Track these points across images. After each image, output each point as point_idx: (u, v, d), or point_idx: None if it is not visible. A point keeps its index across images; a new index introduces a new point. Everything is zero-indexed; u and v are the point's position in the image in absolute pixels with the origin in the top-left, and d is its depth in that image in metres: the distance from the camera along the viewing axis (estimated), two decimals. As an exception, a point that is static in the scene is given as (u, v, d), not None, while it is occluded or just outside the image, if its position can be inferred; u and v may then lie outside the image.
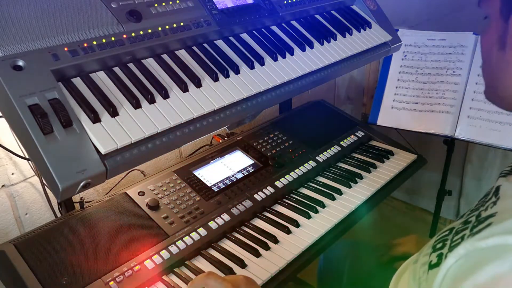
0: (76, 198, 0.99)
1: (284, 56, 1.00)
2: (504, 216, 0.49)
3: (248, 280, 0.75)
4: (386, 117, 1.58)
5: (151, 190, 1.02)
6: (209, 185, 1.08)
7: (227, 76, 0.88)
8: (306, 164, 1.22)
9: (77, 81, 0.74)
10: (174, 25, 0.87)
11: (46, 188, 1.05)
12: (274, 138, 1.29)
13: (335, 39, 1.15)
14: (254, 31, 1.03)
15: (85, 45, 0.75)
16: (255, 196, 1.08)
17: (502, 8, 0.56)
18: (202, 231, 0.95)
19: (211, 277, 0.73)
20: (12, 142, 0.99)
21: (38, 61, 0.68)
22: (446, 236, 0.58)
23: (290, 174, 1.17)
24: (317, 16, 1.21)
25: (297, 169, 1.19)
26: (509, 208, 0.51)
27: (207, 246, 0.94)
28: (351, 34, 1.19)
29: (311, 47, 1.07)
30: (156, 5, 0.87)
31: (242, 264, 0.89)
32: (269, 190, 1.11)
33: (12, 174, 1.04)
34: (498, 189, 0.56)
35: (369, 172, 1.24)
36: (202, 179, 1.09)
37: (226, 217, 1.00)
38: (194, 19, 0.91)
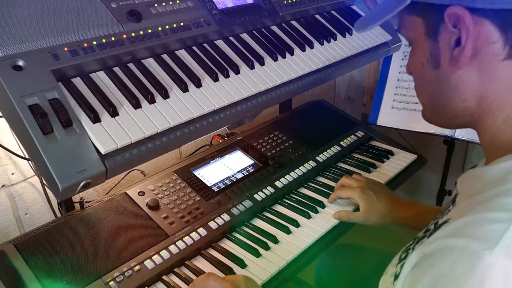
0: (76, 198, 0.99)
1: (284, 56, 1.00)
2: (451, 221, 0.52)
3: (247, 280, 0.75)
4: (386, 117, 1.58)
5: (151, 190, 1.02)
6: (209, 185, 1.08)
7: (227, 76, 0.89)
8: (306, 164, 1.22)
9: (77, 81, 0.74)
10: (174, 25, 0.87)
11: (46, 188, 1.05)
12: (274, 138, 1.29)
13: (335, 39, 1.15)
14: (254, 31, 1.03)
15: (85, 45, 0.75)
16: (255, 196, 1.08)
17: (428, 30, 0.57)
18: (202, 231, 0.95)
19: (211, 278, 0.74)
20: (12, 142, 0.99)
21: (38, 61, 0.68)
22: (410, 245, 0.60)
23: (290, 174, 1.17)
24: (317, 16, 1.21)
25: (297, 169, 1.19)
26: (457, 214, 0.52)
27: (207, 246, 0.94)
28: (351, 34, 1.20)
29: (311, 47, 1.07)
30: (156, 5, 0.87)
31: (242, 264, 0.89)
32: (269, 190, 1.11)
33: (12, 174, 1.04)
34: (456, 197, 0.59)
35: (369, 172, 1.24)
36: (202, 179, 1.09)
37: (226, 217, 1.00)
38: (194, 19, 0.91)
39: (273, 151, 1.24)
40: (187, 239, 0.93)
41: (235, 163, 1.17)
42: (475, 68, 0.55)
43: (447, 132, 1.49)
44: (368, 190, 1.03)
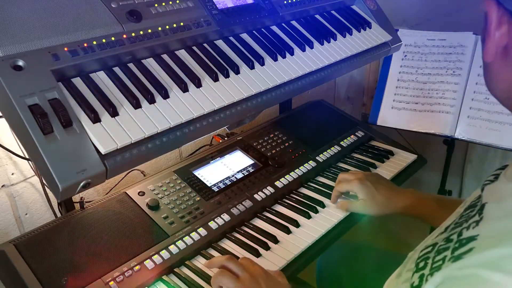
0: (76, 198, 0.99)
1: (284, 56, 1.00)
2: (484, 244, 0.50)
3: (266, 274, 0.76)
4: (386, 117, 1.58)
5: (151, 190, 1.02)
6: (209, 185, 1.08)
7: (227, 76, 0.88)
8: (306, 164, 1.22)
9: (77, 81, 0.74)
10: (174, 25, 0.87)
11: (46, 188, 1.05)
12: (274, 138, 1.29)
13: (335, 39, 1.15)
14: (254, 31, 1.03)
15: (85, 45, 0.74)
16: (255, 196, 1.08)
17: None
18: (202, 231, 0.95)
19: (231, 261, 0.76)
20: (12, 142, 0.99)
21: (38, 61, 0.68)
22: (429, 254, 0.58)
23: (290, 174, 1.17)
24: (317, 16, 1.21)
25: (297, 169, 1.19)
26: (490, 235, 0.51)
27: (207, 246, 0.94)
28: (351, 34, 1.19)
29: (311, 47, 1.07)
30: (156, 5, 0.87)
31: (242, 264, 0.89)
32: (269, 190, 1.11)
33: (12, 174, 1.04)
34: (483, 208, 0.56)
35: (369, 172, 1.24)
36: (202, 179, 1.09)
37: (226, 217, 1.00)
38: (194, 19, 0.91)
39: (273, 151, 1.24)
40: (187, 239, 0.93)
41: (235, 163, 1.17)
42: (508, 66, 0.53)
43: (447, 132, 1.49)
44: (366, 181, 1.04)
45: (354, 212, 1.05)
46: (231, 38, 0.98)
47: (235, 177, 1.13)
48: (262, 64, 0.95)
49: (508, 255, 0.46)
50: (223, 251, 0.93)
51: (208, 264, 0.83)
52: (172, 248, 0.90)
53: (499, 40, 0.52)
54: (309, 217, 1.04)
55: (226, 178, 1.12)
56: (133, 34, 0.81)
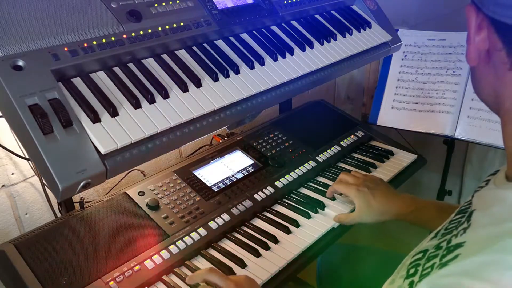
0: (76, 198, 0.99)
1: (284, 56, 1.00)
2: (469, 251, 0.50)
3: (250, 281, 0.76)
4: (386, 117, 1.58)
5: (151, 190, 1.02)
6: (209, 185, 1.08)
7: (227, 76, 0.88)
8: (306, 164, 1.22)
9: (77, 81, 0.74)
10: (174, 25, 0.87)
11: (46, 188, 1.05)
12: (274, 138, 1.29)
13: (335, 39, 1.15)
14: (254, 31, 1.03)
15: (85, 45, 0.75)
16: (255, 196, 1.08)
17: None
18: (202, 231, 0.95)
19: (213, 273, 0.74)
20: (12, 142, 0.99)
21: (38, 61, 0.68)
22: (419, 261, 0.58)
23: (290, 174, 1.17)
24: (317, 16, 1.21)
25: (297, 169, 1.19)
26: (475, 242, 0.51)
27: (207, 246, 0.94)
28: (351, 34, 1.19)
29: (311, 47, 1.07)
30: (156, 5, 0.87)
31: (242, 264, 0.89)
32: (269, 190, 1.11)
33: (12, 174, 1.04)
34: (471, 215, 0.56)
35: (369, 172, 1.24)
36: (202, 179, 1.09)
37: (226, 217, 1.00)
38: (194, 19, 0.91)
39: (273, 151, 1.24)
40: (187, 239, 0.93)
41: (235, 163, 1.17)
42: (491, 69, 0.54)
43: (447, 132, 1.49)
44: (363, 187, 1.02)
45: (352, 224, 1.02)
46: (231, 38, 0.98)
47: (235, 177, 1.13)
48: (262, 64, 0.96)
49: (489, 262, 0.46)
50: (223, 251, 0.93)
51: (189, 279, 0.79)
52: (172, 248, 0.90)
53: (480, 44, 0.52)
54: (309, 217, 1.04)
55: (226, 178, 1.12)
56: (133, 34, 0.81)
